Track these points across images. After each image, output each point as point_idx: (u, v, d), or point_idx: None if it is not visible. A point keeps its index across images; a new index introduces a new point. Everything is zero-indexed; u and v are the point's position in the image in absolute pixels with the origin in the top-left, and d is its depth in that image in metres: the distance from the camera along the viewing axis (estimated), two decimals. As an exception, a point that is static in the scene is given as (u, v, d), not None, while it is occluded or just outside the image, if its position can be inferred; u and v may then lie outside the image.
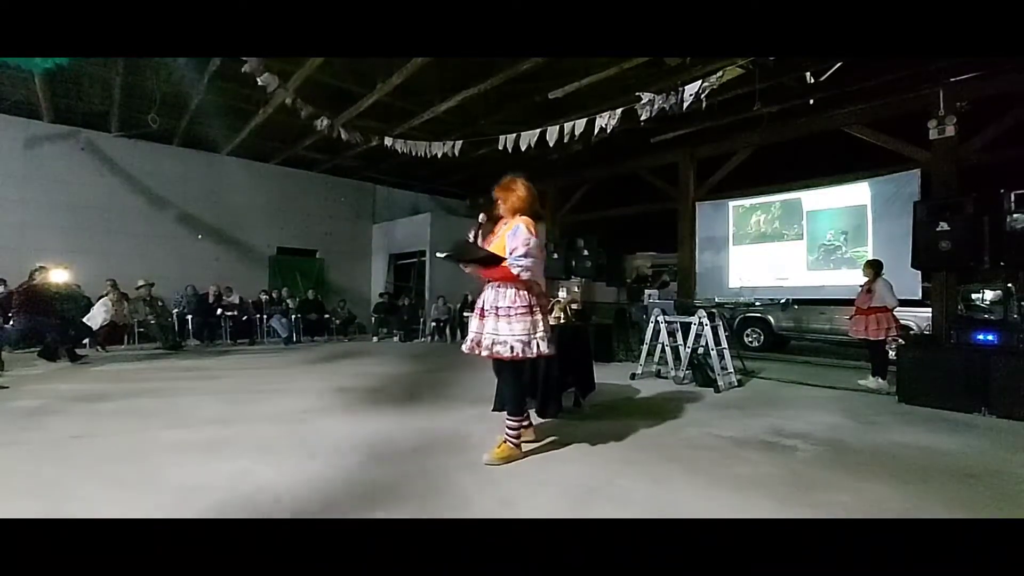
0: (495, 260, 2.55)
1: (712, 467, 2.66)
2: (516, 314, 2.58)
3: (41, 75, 6.59)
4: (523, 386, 2.81)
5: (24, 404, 3.82)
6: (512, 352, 2.56)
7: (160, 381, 5.18)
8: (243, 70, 6.01)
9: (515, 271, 2.53)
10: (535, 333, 2.60)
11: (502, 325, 2.59)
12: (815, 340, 8.72)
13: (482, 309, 2.69)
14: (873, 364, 5.29)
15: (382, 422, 3.50)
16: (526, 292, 2.62)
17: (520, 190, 2.71)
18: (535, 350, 2.59)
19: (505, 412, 2.76)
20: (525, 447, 2.83)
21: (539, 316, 2.63)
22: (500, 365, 2.78)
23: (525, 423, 2.89)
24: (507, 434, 2.71)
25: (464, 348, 2.79)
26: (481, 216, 2.82)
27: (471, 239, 2.74)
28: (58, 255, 7.04)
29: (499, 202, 2.74)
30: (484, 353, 2.66)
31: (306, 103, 6.66)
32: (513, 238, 2.56)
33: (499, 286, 2.63)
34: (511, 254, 2.53)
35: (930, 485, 2.44)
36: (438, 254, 2.86)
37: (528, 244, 2.52)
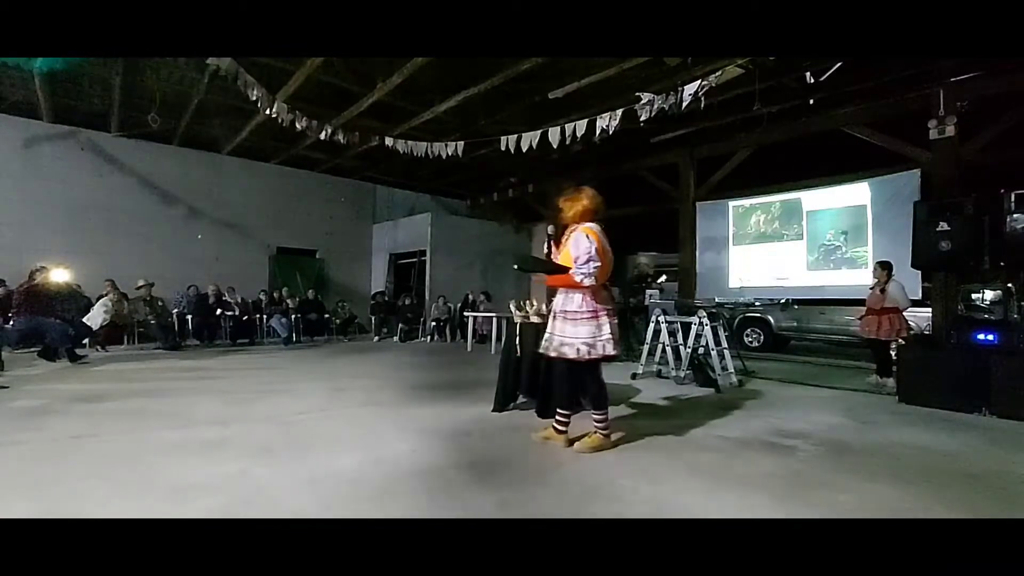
0: (560, 269, 2.76)
1: (712, 467, 2.65)
2: (582, 318, 2.75)
3: (41, 75, 6.59)
4: (602, 383, 2.94)
5: (24, 404, 3.82)
6: (577, 353, 2.73)
7: (160, 381, 5.18)
8: (265, 111, 6.11)
9: (578, 279, 2.69)
10: (600, 335, 2.75)
11: (568, 328, 2.78)
12: (815, 340, 8.73)
13: (554, 312, 2.90)
14: (879, 364, 5.32)
15: (381, 423, 3.50)
16: (591, 297, 2.77)
17: (580, 200, 2.87)
18: (600, 352, 2.75)
19: (593, 408, 2.92)
20: (540, 440, 2.98)
21: (604, 319, 2.78)
22: (573, 365, 2.87)
23: (561, 420, 3.02)
24: (596, 426, 2.88)
25: (540, 348, 2.99)
26: (550, 228, 3.08)
27: (545, 249, 3.01)
28: (58, 255, 7.03)
29: (563, 212, 2.92)
30: (552, 353, 2.84)
31: (304, 113, 6.69)
32: (575, 247, 2.73)
33: (567, 292, 2.82)
34: (575, 262, 2.70)
35: (930, 485, 2.44)
36: (516, 267, 3.44)
37: (589, 253, 2.68)
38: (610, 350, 2.76)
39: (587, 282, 2.69)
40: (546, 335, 2.93)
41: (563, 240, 2.92)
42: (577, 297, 2.78)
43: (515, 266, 3.61)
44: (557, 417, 2.98)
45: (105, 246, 8.89)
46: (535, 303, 4.01)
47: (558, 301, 2.87)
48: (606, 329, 2.76)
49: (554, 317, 2.90)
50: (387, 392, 4.64)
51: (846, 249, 7.26)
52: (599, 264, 2.70)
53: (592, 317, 2.75)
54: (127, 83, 7.03)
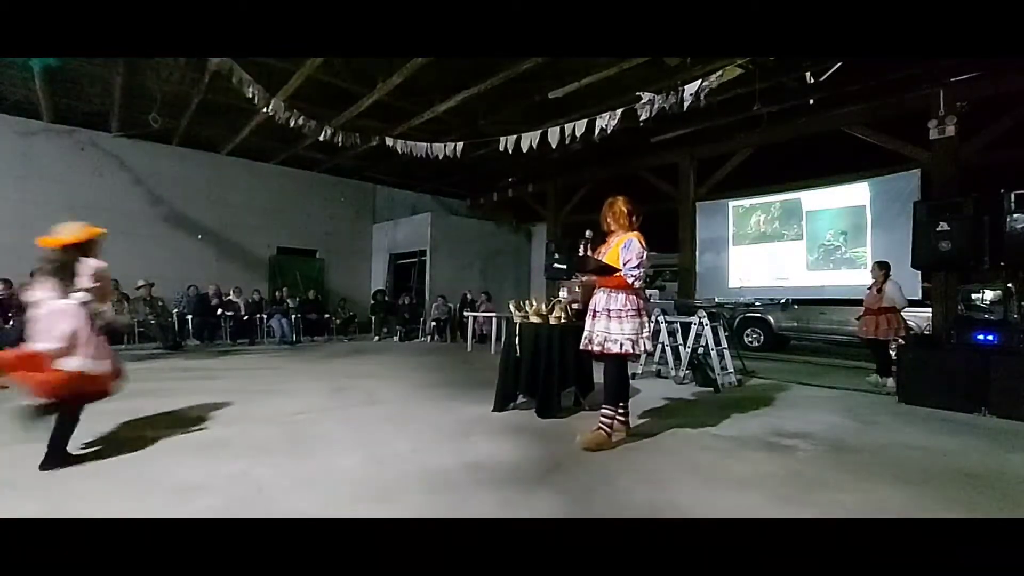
0: (610, 270, 2.87)
1: (712, 467, 2.65)
2: (627, 315, 2.89)
3: (41, 75, 6.58)
4: (625, 380, 3.08)
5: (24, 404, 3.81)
6: (621, 348, 2.86)
7: (160, 381, 5.18)
8: (262, 109, 6.10)
9: (630, 280, 2.86)
10: (642, 333, 2.92)
11: (614, 325, 2.89)
12: (815, 340, 8.73)
13: (594, 311, 3.00)
14: (879, 364, 5.33)
15: (381, 422, 3.50)
16: (635, 296, 2.94)
17: (626, 209, 3.02)
18: (641, 348, 2.91)
19: (605, 403, 2.99)
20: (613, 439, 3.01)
21: (645, 318, 2.95)
22: (605, 360, 3.00)
23: (621, 415, 3.09)
24: (601, 422, 2.94)
25: (581, 346, 3.08)
26: (587, 232, 3.20)
27: (581, 250, 3.15)
28: (58, 255, 7.00)
29: (609, 218, 3.06)
30: (596, 349, 2.94)
31: (304, 113, 6.69)
32: (627, 251, 2.88)
33: (611, 291, 2.94)
34: (626, 264, 2.85)
35: (930, 485, 2.44)
36: (555, 264, 3.29)
37: (642, 257, 2.87)
38: (648, 347, 2.97)
39: (638, 284, 2.89)
40: (586, 333, 3.01)
41: (606, 244, 3.06)
42: (621, 296, 2.90)
43: (562, 265, 3.26)
44: (605, 416, 2.97)
45: (105, 246, 8.78)
46: (535, 303, 4.01)
47: (599, 300, 2.97)
48: (648, 327, 2.96)
49: (592, 316, 3.00)
50: (387, 392, 4.63)
51: (846, 249, 7.26)
52: (645, 268, 2.89)
53: (637, 315, 2.91)
54: (128, 83, 7.02)
